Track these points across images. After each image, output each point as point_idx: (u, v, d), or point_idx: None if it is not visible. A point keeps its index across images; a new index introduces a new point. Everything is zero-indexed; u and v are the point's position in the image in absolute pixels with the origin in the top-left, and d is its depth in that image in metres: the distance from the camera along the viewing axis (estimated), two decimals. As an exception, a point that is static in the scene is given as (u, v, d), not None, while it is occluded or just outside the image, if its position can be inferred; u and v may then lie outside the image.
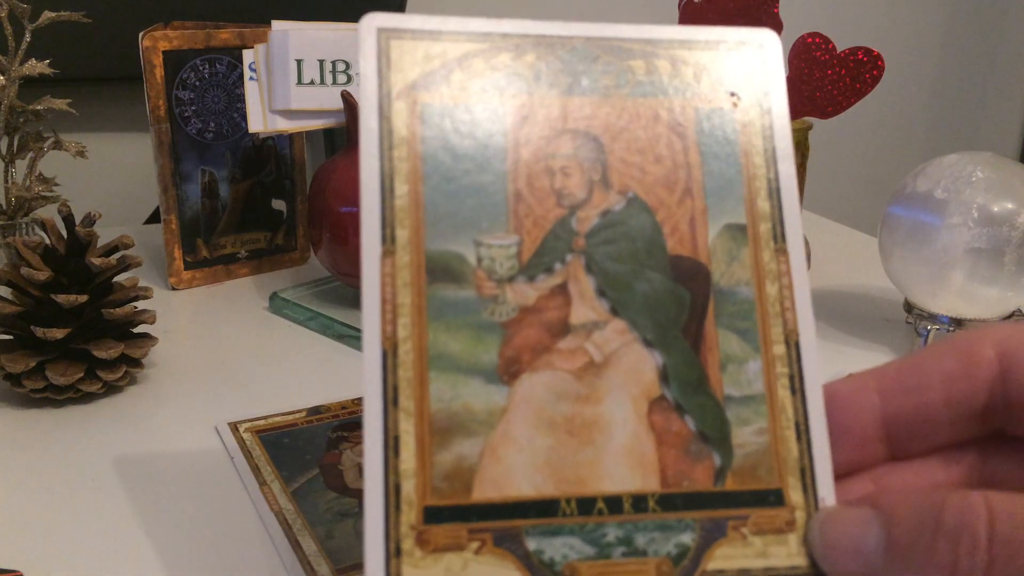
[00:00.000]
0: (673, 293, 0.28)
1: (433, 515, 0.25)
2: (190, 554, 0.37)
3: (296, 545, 0.37)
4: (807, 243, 0.75)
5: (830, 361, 0.57)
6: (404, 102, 0.27)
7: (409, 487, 0.25)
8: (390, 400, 0.25)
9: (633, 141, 0.28)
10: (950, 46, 1.55)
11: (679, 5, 0.69)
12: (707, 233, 0.28)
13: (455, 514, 0.25)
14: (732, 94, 0.29)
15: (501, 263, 0.27)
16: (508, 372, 0.26)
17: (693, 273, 0.28)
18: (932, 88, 1.56)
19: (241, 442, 0.45)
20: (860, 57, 0.62)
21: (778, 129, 0.29)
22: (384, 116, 0.27)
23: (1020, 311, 0.57)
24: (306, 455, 0.44)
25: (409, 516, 0.24)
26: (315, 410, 0.49)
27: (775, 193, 0.29)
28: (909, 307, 0.59)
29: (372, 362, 0.25)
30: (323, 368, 0.55)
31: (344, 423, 0.47)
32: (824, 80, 0.64)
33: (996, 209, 0.52)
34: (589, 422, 0.26)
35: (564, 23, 0.29)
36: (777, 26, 0.65)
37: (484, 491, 0.25)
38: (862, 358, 0.58)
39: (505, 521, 0.25)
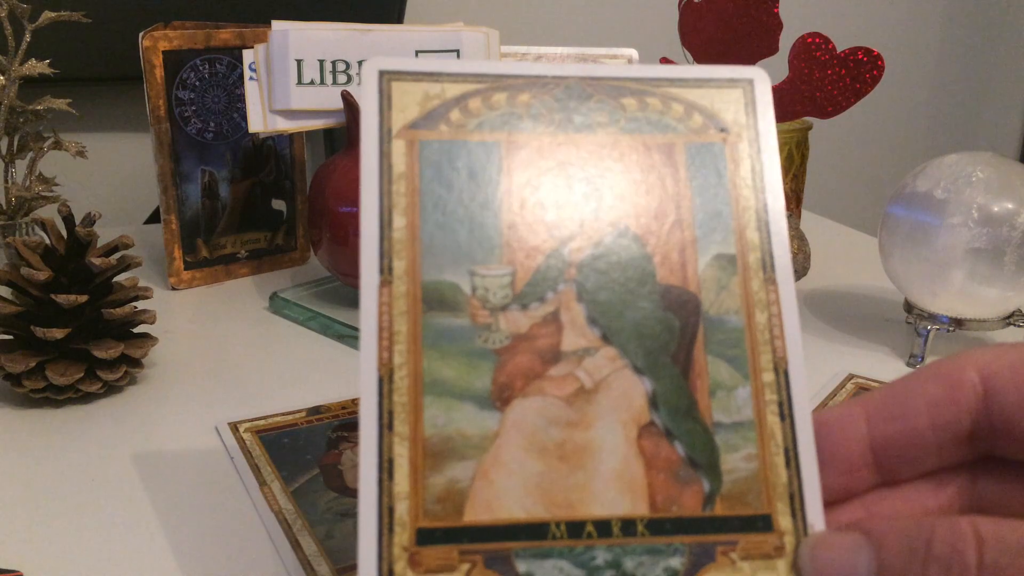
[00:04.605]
0: (663, 321, 0.28)
1: (425, 537, 0.25)
2: (190, 554, 0.37)
3: (296, 545, 0.37)
4: (807, 243, 0.75)
5: (831, 361, 0.57)
6: (403, 140, 0.29)
7: (402, 509, 0.25)
8: (385, 424, 0.26)
9: (624, 174, 0.29)
10: (950, 46, 1.55)
11: (678, 5, 0.69)
12: (697, 263, 0.29)
13: (447, 536, 0.25)
14: (722, 130, 0.30)
15: (495, 292, 0.28)
16: (500, 398, 0.27)
17: (683, 302, 0.28)
18: (932, 88, 1.56)
19: (241, 442, 0.45)
20: (860, 57, 0.62)
21: (767, 162, 0.30)
22: (384, 153, 0.28)
23: (1020, 311, 0.57)
24: (306, 455, 0.44)
25: (402, 537, 0.25)
26: (315, 410, 0.49)
27: (764, 224, 0.29)
28: (909, 307, 0.59)
29: (368, 387, 0.26)
30: (323, 368, 0.56)
31: (344, 423, 0.47)
32: (824, 80, 0.64)
33: (996, 209, 0.52)
34: (579, 447, 0.27)
35: (559, 65, 0.30)
36: (777, 26, 0.65)
37: (475, 513, 0.26)
38: (862, 358, 0.58)
39: (496, 543, 0.25)
